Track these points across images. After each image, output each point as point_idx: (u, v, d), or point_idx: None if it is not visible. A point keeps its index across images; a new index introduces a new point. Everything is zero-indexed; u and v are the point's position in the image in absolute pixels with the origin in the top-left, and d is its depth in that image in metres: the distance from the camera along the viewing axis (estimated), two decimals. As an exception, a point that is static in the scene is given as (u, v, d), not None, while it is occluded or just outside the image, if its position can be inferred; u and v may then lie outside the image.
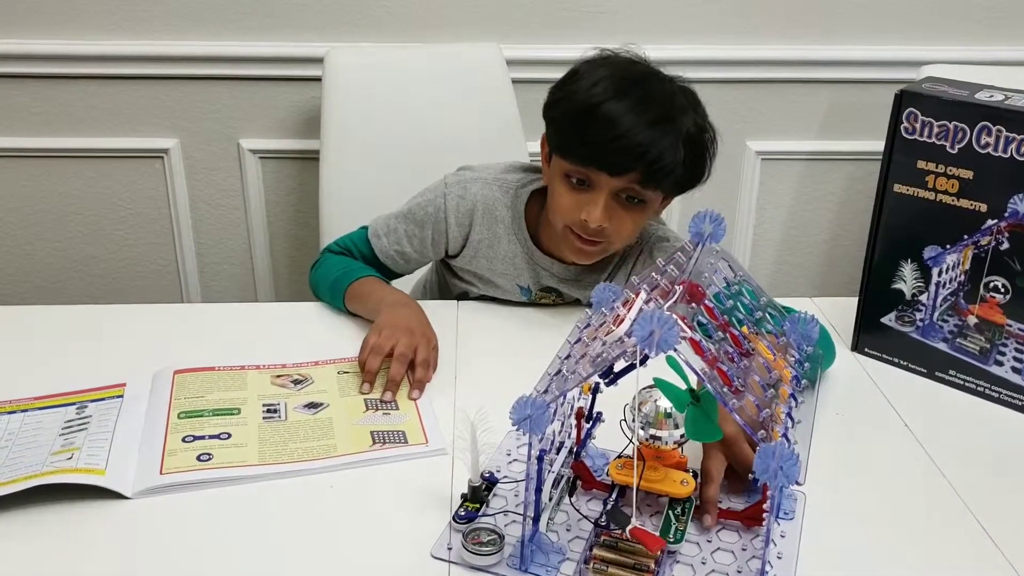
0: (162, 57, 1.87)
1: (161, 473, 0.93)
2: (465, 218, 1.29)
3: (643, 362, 0.75)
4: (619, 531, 0.80)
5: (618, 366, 0.81)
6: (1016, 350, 1.09)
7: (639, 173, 1.13)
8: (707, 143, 1.18)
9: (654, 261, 1.22)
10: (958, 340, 1.14)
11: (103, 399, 1.05)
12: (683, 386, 0.80)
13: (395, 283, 1.35)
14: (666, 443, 0.84)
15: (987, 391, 1.12)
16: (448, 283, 1.42)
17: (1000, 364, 1.11)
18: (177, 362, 1.12)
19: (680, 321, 0.70)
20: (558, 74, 1.25)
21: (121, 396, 1.06)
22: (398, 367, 1.10)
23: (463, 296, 1.40)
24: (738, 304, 0.84)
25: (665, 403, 0.85)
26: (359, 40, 1.87)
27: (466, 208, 1.29)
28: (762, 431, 0.73)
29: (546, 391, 0.78)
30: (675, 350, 0.70)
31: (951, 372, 1.15)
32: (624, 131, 1.11)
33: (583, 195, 1.17)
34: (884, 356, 1.20)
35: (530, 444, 0.78)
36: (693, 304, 0.78)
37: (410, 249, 1.32)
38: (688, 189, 1.21)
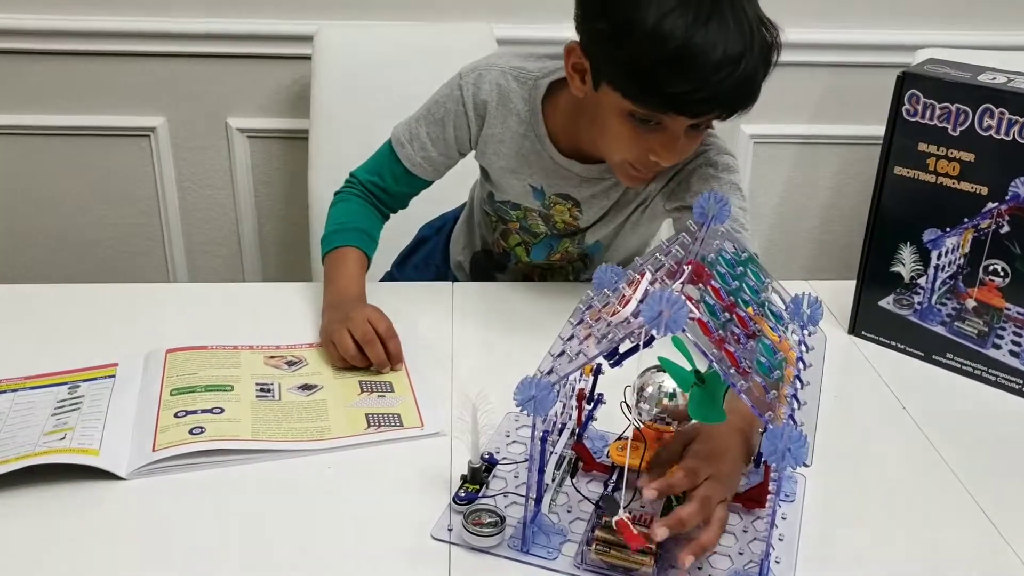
0: (149, 34, 1.84)
1: (154, 450, 0.91)
2: (481, 108, 1.21)
3: (648, 343, 0.75)
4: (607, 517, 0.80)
5: (624, 347, 0.80)
6: (1014, 333, 1.09)
7: (727, 108, 1.03)
8: (777, 47, 1.05)
9: (691, 186, 1.15)
10: (956, 323, 1.13)
11: (95, 379, 1.04)
12: (688, 368, 0.79)
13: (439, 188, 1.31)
14: (666, 423, 0.84)
15: (985, 374, 1.12)
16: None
17: (998, 347, 1.11)
18: (169, 342, 1.11)
19: (688, 302, 0.70)
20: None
21: (114, 376, 1.05)
22: (374, 350, 1.07)
23: (490, 197, 1.33)
24: (743, 285, 0.83)
25: (669, 384, 0.85)
26: (349, 18, 1.85)
27: (481, 99, 1.21)
28: (769, 412, 0.72)
29: (550, 372, 0.77)
30: (683, 331, 0.69)
31: (949, 355, 1.15)
32: (715, 74, 0.97)
33: (651, 133, 1.06)
34: (882, 339, 1.20)
35: (534, 425, 0.77)
36: (700, 285, 0.77)
37: (435, 153, 1.25)
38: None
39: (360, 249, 1.26)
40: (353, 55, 1.78)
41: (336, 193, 1.33)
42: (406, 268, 1.53)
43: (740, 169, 1.18)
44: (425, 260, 1.52)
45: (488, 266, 1.43)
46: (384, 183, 1.28)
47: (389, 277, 1.53)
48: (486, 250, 1.43)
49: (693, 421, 0.85)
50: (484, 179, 1.34)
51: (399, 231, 1.46)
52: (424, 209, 1.41)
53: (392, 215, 1.34)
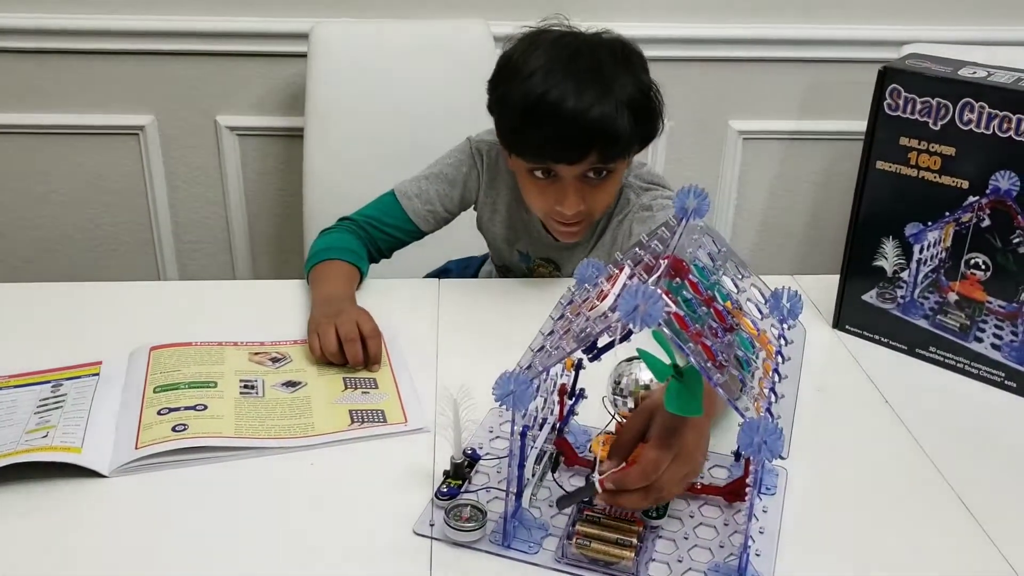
0: (139, 32, 1.84)
1: (136, 447, 0.92)
2: (485, 175, 1.34)
3: (626, 337, 0.75)
4: (590, 502, 0.81)
5: (601, 341, 0.80)
6: (996, 327, 1.10)
7: (597, 154, 1.15)
8: (652, 98, 1.19)
9: (632, 232, 1.25)
10: (939, 317, 1.14)
11: (79, 377, 1.04)
12: (667, 361, 0.80)
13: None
14: None
15: (967, 367, 1.13)
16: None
17: (980, 341, 1.11)
18: (154, 339, 1.11)
19: (664, 296, 0.70)
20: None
21: (97, 374, 1.05)
22: (352, 348, 1.08)
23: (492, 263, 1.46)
24: (722, 279, 0.84)
25: (644, 376, 0.85)
26: (344, 16, 1.85)
27: (486, 163, 1.33)
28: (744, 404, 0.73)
29: (529, 367, 0.78)
30: (659, 324, 0.69)
31: (931, 349, 1.15)
32: (569, 120, 1.11)
33: (550, 186, 1.20)
34: (865, 333, 1.20)
35: (513, 420, 0.78)
36: (678, 279, 0.77)
37: (441, 208, 1.34)
38: (649, 142, 1.23)
39: (351, 264, 1.27)
40: (349, 52, 1.78)
41: (323, 230, 1.35)
42: None
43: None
44: None
45: None
46: (381, 222, 1.34)
47: None
48: None
49: (651, 399, 0.84)
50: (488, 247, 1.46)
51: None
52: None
53: (381, 259, 1.38)
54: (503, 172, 1.33)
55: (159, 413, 0.97)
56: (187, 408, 0.98)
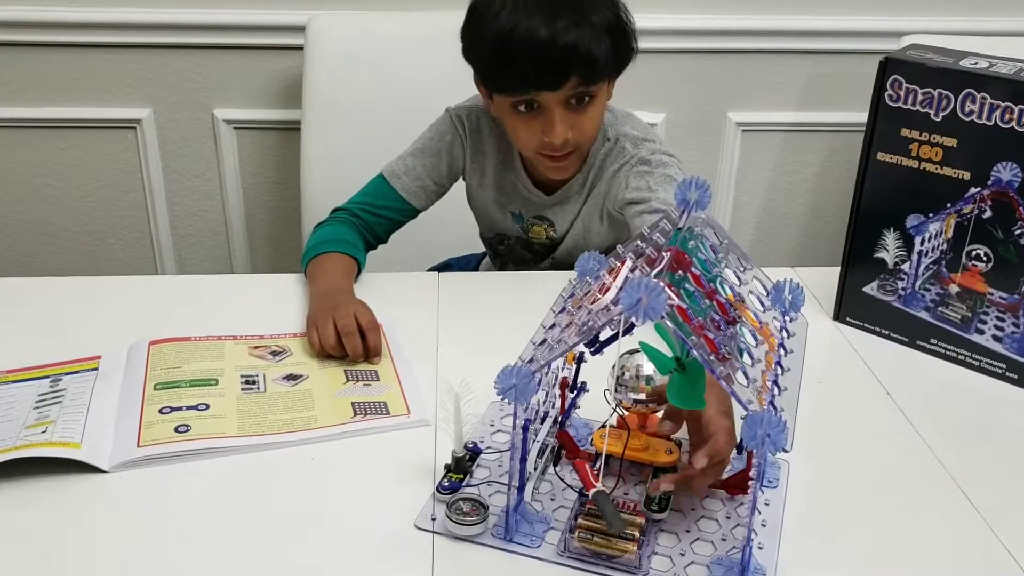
0: (136, 25, 1.83)
1: (138, 446, 0.91)
2: (468, 141, 1.35)
3: (628, 331, 0.75)
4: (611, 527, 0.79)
5: (604, 335, 0.80)
6: (997, 318, 1.10)
7: (577, 77, 1.17)
8: (623, 18, 1.22)
9: (629, 183, 1.27)
10: (940, 309, 1.14)
11: (77, 372, 1.03)
12: (670, 353, 0.79)
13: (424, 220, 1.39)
14: (646, 406, 0.85)
15: (968, 359, 1.13)
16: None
17: (981, 332, 1.11)
18: (153, 334, 1.10)
19: (667, 289, 0.70)
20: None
21: (96, 369, 1.04)
22: (352, 342, 1.08)
23: (483, 239, 1.47)
24: (724, 271, 0.83)
25: (646, 368, 0.85)
26: (341, 8, 1.84)
27: (468, 129, 1.35)
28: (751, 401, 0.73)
29: (531, 360, 0.77)
30: (662, 317, 0.69)
31: (932, 341, 1.15)
32: (545, 45, 1.14)
33: (535, 119, 1.22)
34: (866, 325, 1.20)
35: (515, 413, 0.77)
36: (680, 271, 0.77)
37: (430, 182, 1.36)
38: (624, 68, 1.25)
39: (348, 255, 1.26)
40: (346, 45, 1.77)
41: (317, 225, 1.34)
42: None
43: (680, 168, 1.29)
44: None
45: None
46: (374, 205, 1.35)
47: None
48: None
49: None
50: (477, 221, 1.47)
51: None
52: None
53: (379, 244, 1.38)
54: (486, 135, 1.35)
55: (161, 412, 0.96)
56: (189, 408, 0.97)
